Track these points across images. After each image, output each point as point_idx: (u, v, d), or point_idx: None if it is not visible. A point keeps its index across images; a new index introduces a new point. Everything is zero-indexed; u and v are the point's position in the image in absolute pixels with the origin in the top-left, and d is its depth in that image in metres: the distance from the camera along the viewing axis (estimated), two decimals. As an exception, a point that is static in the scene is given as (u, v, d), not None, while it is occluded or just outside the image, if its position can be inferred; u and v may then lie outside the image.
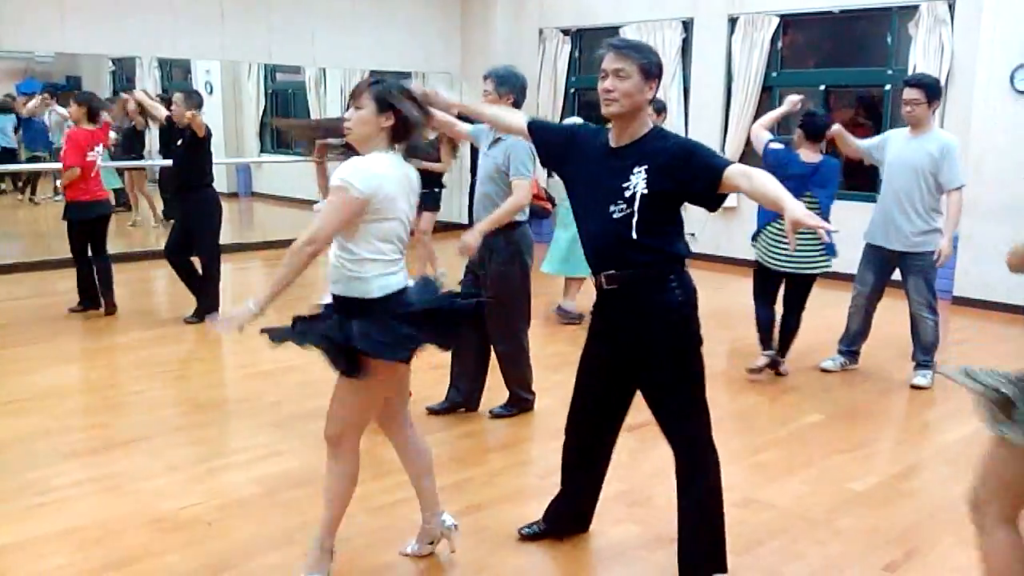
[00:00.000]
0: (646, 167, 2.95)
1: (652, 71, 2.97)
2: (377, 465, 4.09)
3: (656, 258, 3.01)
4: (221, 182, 7.37)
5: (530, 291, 4.81)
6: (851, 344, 5.98)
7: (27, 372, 5.69)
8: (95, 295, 7.01)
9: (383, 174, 2.95)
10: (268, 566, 3.33)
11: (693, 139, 3.14)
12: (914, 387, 5.63)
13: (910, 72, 8.38)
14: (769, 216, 5.43)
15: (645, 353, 3.08)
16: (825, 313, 6.18)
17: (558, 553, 3.48)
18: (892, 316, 6.14)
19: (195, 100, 6.70)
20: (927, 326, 5.62)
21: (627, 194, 2.96)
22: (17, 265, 9.11)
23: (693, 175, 2.92)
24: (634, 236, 2.96)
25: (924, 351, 5.68)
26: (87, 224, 6.89)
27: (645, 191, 2.93)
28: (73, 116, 6.85)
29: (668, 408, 3.12)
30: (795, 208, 2.64)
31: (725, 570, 3.16)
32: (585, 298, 6.11)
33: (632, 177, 2.95)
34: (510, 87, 4.53)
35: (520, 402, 4.97)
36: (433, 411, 4.90)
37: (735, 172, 2.86)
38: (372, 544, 3.45)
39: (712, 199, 2.97)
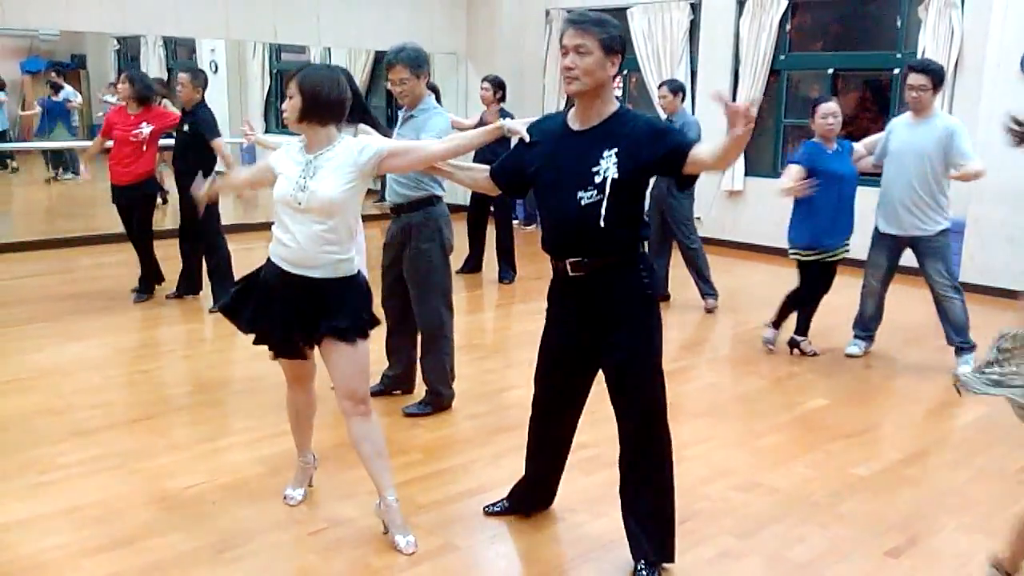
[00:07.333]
0: (616, 150, 2.86)
1: (614, 46, 2.87)
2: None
3: (623, 244, 2.97)
4: (216, 164, 7.32)
5: (450, 270, 4.71)
6: (866, 328, 5.94)
7: (31, 351, 5.70)
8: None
9: None
10: (272, 545, 3.34)
11: (662, 120, 3.01)
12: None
13: (920, 56, 8.33)
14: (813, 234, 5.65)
15: (611, 335, 3.02)
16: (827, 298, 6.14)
17: (564, 533, 3.50)
18: (899, 302, 6.13)
19: (201, 79, 6.64)
20: (955, 306, 5.51)
21: (597, 180, 2.88)
22: (17, 244, 9.11)
23: (661, 156, 2.86)
24: (602, 224, 2.89)
25: (958, 332, 5.56)
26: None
27: (616, 176, 2.85)
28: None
29: (629, 390, 3.06)
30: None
31: (673, 559, 3.15)
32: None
33: (602, 161, 2.87)
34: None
35: (437, 398, 4.69)
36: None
37: (699, 147, 2.83)
38: (375, 524, 3.44)
39: (680, 179, 2.93)
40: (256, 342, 3.38)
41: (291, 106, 3.14)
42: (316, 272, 3.17)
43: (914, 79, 5.39)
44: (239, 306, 3.38)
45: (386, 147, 3.25)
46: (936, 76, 5.40)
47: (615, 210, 2.88)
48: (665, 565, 3.16)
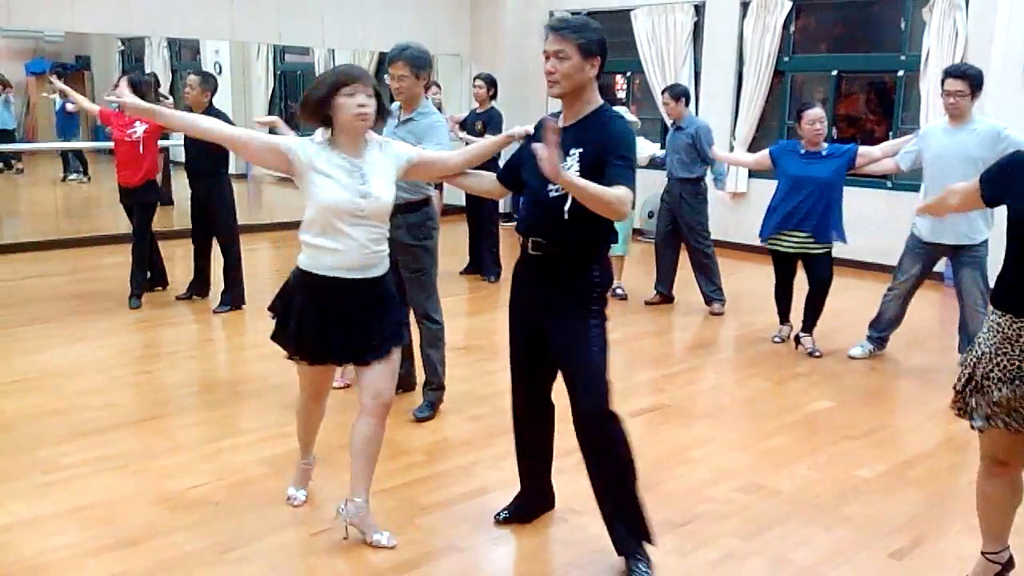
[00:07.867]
0: (580, 151, 2.97)
1: (592, 49, 2.98)
2: (383, 447, 4.08)
3: (584, 238, 3.05)
4: (230, 163, 7.34)
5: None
6: (883, 331, 5.92)
7: (35, 351, 5.71)
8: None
9: None
10: (276, 546, 3.34)
11: (628, 134, 3.04)
12: None
13: (923, 58, 8.33)
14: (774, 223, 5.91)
15: (555, 331, 3.12)
16: (830, 300, 6.14)
17: (566, 534, 3.49)
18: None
19: (211, 83, 6.64)
20: (978, 319, 5.37)
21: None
22: (23, 244, 9.13)
23: (604, 173, 2.92)
24: (566, 216, 2.99)
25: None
26: None
27: (577, 173, 2.91)
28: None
29: (572, 377, 3.12)
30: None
31: (651, 541, 3.19)
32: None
33: (568, 159, 2.97)
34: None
35: (440, 391, 4.78)
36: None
37: (612, 189, 2.84)
38: (378, 526, 3.44)
39: None
40: (301, 358, 3.36)
41: (372, 106, 3.10)
42: (375, 271, 3.22)
43: (951, 84, 5.24)
44: (286, 331, 3.33)
45: (415, 155, 3.35)
46: (974, 81, 5.23)
47: (578, 205, 2.93)
48: (662, 563, 3.18)
